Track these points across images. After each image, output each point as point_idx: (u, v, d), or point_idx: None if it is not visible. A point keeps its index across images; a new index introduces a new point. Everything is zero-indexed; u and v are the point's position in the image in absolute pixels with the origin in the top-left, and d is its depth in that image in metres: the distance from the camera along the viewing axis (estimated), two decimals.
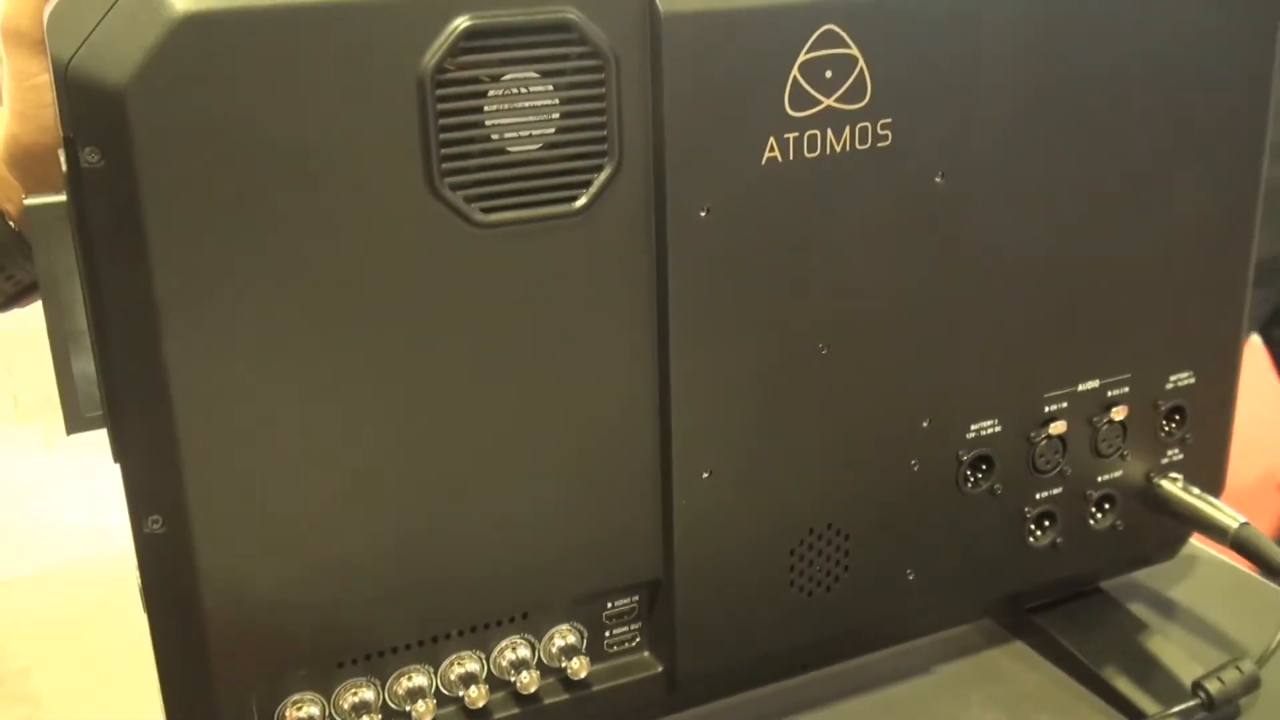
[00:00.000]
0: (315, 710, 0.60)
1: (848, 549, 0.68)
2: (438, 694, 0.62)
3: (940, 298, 0.66)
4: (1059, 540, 0.75)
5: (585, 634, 0.65)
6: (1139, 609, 0.80)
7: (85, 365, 0.52)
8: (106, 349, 0.52)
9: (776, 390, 0.63)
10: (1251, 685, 0.67)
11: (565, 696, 0.64)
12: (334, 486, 0.56)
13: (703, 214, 0.58)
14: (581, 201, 0.56)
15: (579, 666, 0.63)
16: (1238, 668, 0.67)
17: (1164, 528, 0.80)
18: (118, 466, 0.53)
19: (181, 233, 0.50)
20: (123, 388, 0.52)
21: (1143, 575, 0.85)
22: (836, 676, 0.76)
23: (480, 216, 0.54)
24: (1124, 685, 0.73)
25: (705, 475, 0.63)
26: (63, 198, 0.50)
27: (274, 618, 0.56)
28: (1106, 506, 0.76)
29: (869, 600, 0.70)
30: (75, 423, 0.53)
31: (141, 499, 0.53)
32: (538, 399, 0.58)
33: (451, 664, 0.62)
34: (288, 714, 0.59)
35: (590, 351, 0.59)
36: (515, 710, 0.63)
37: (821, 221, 0.61)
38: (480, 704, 0.61)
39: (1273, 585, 0.84)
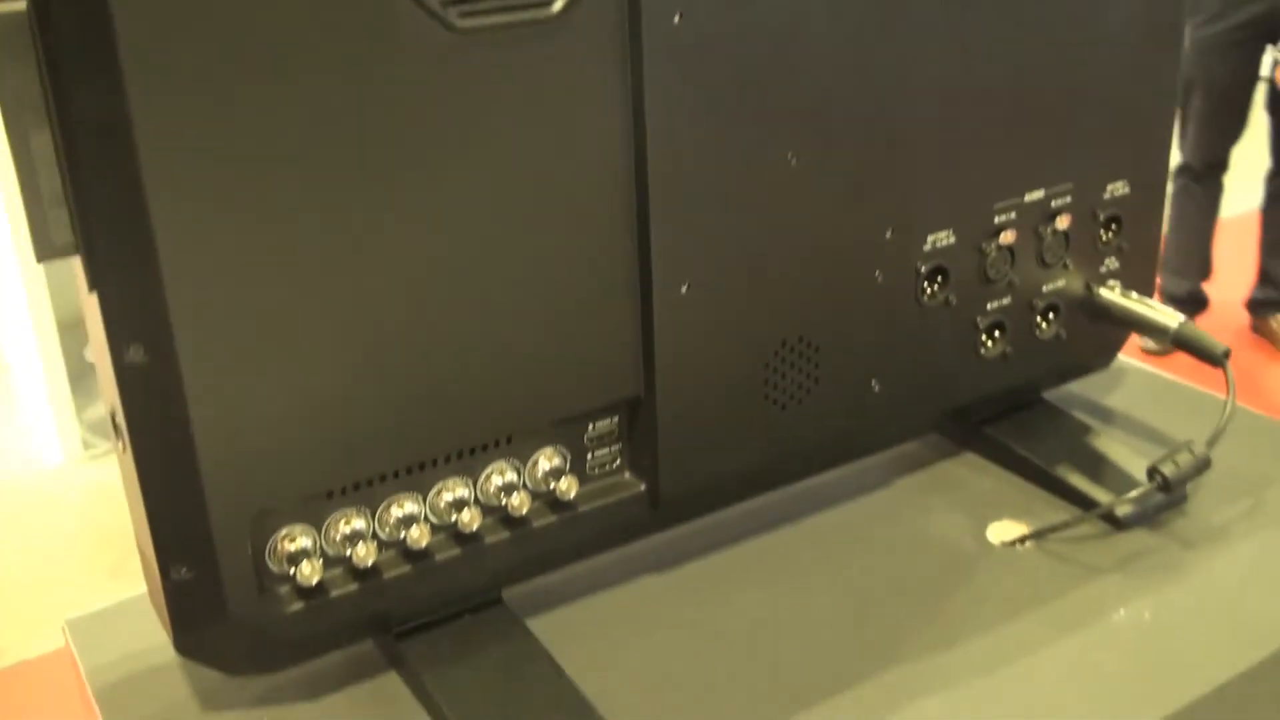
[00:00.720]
0: (307, 541, 0.59)
1: (818, 360, 0.69)
2: (429, 521, 0.62)
3: (898, 112, 0.66)
4: (1008, 350, 0.77)
5: (569, 457, 0.65)
6: (1080, 416, 0.84)
7: (54, 187, 0.50)
8: (77, 170, 0.49)
9: (750, 202, 0.63)
10: (1203, 466, 0.71)
11: (553, 519, 0.65)
12: (319, 310, 0.54)
13: (676, 19, 0.58)
14: (558, 6, 0.55)
15: (567, 486, 0.64)
16: (1190, 450, 0.71)
17: (1103, 334, 0.83)
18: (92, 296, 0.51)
19: (155, 43, 0.47)
20: (96, 211, 0.50)
21: (1078, 386, 0.88)
22: (804, 494, 0.78)
23: (458, 21, 0.53)
24: (1078, 480, 0.77)
25: (684, 289, 0.63)
26: (21, 5, 0.47)
27: (263, 448, 0.55)
28: (1051, 316, 0.78)
29: (838, 411, 0.71)
30: (45, 249, 0.50)
31: (120, 328, 0.52)
32: (516, 213, 0.58)
33: (441, 491, 0.62)
34: (280, 546, 0.58)
35: (568, 162, 0.58)
36: (506, 534, 0.64)
37: (789, 30, 0.61)
38: (473, 527, 0.61)
39: (1198, 388, 0.88)
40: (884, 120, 0.66)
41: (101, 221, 0.50)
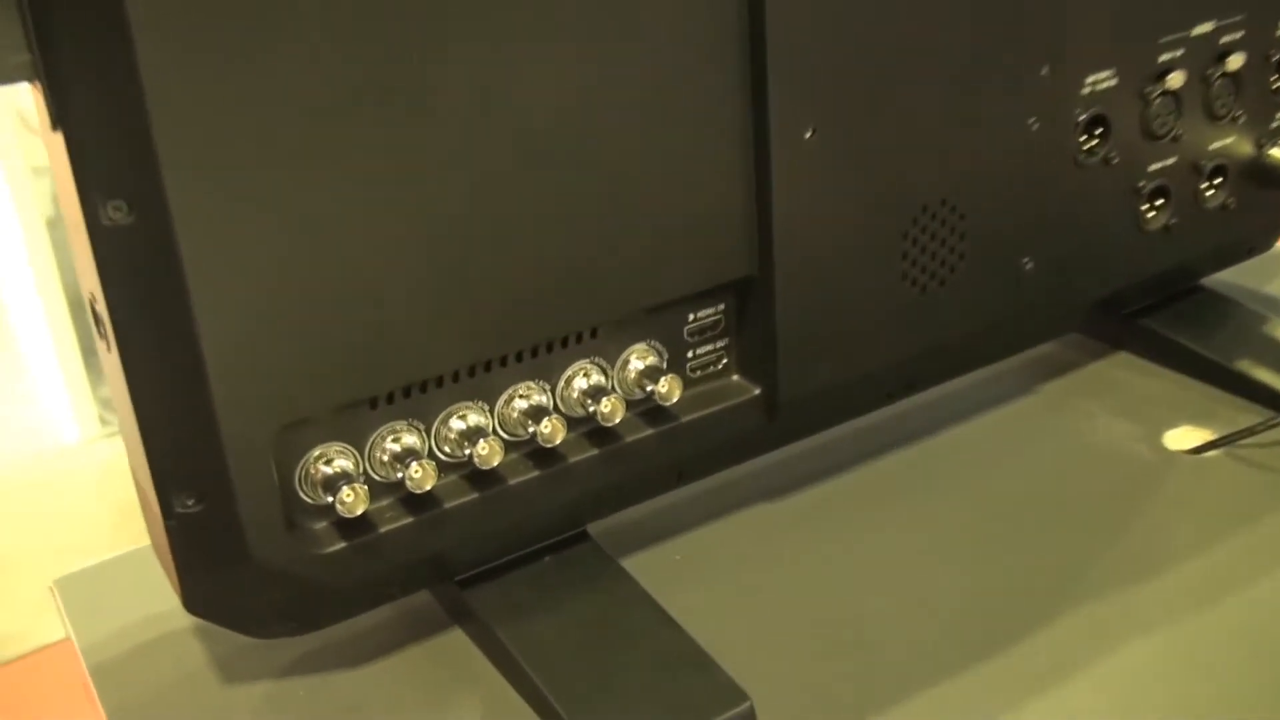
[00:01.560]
0: (347, 463, 0.46)
1: (964, 231, 0.56)
2: (498, 435, 0.49)
3: None
4: (1171, 222, 0.64)
5: (665, 356, 0.52)
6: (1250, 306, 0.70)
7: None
8: None
9: (888, 17, 0.50)
10: None
11: (650, 432, 0.52)
12: (361, 157, 0.42)
13: None
14: None
15: (668, 388, 0.51)
16: None
17: (1271, 209, 0.69)
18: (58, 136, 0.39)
19: None
20: (60, 16, 0.37)
21: (1234, 274, 0.75)
22: (937, 404, 0.65)
23: None
24: (1266, 375, 0.63)
25: (808, 134, 0.50)
26: None
27: (289, 341, 0.43)
28: (1218, 181, 0.65)
29: (986, 294, 0.58)
30: None
31: (95, 178, 0.39)
32: (598, 42, 0.45)
33: (513, 398, 0.49)
34: (314, 470, 0.46)
35: None
36: (594, 451, 0.51)
37: None
38: (556, 439, 0.49)
39: None
40: None
41: (67, 31, 0.37)
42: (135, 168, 0.39)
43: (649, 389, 0.51)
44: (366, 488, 0.46)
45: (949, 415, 0.64)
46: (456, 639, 0.52)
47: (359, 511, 0.45)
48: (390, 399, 0.47)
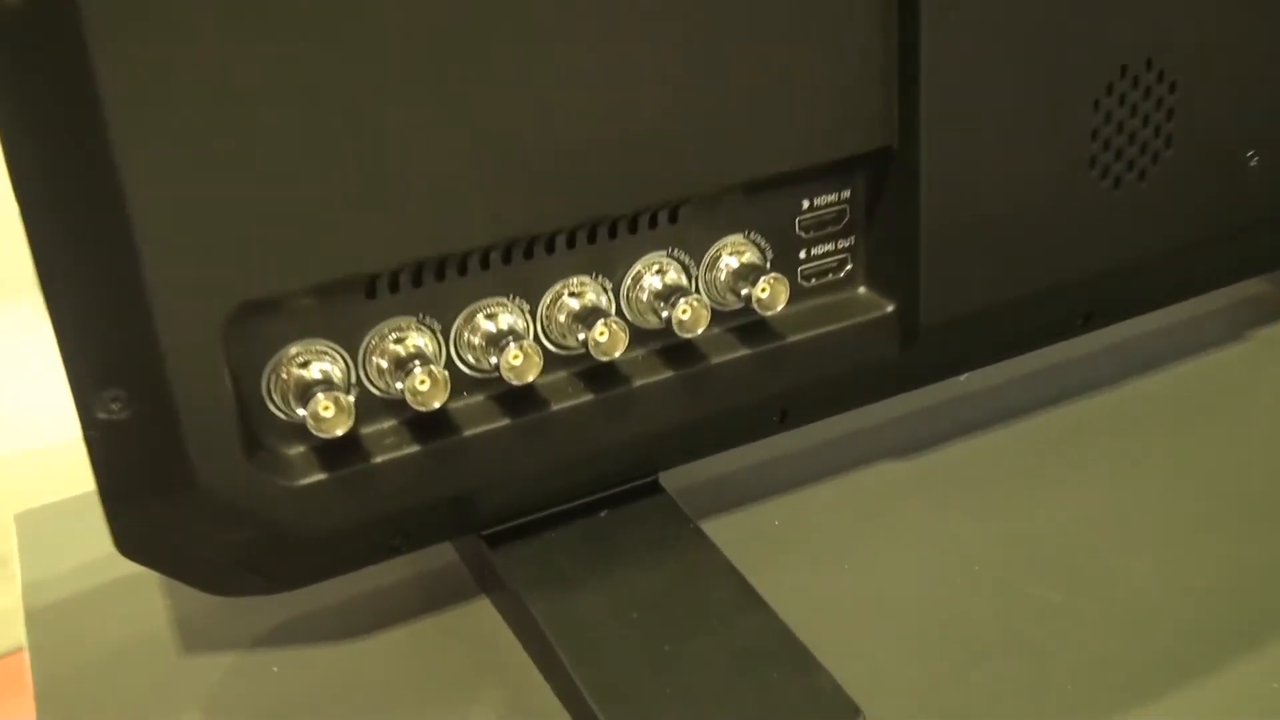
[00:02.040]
0: (331, 367, 0.34)
1: (1172, 106, 0.42)
2: (539, 343, 0.37)
3: None
4: None
5: (768, 253, 0.39)
6: None
7: None
8: None
9: None
10: None
11: (743, 352, 0.39)
12: None
13: None
14: None
15: (770, 293, 0.38)
16: None
17: None
18: None
19: None
20: None
21: None
22: (1121, 347, 0.51)
23: None
24: None
25: None
26: None
27: (248, 184, 0.31)
28: None
29: (1194, 198, 0.44)
30: None
31: None
32: None
33: (560, 295, 0.37)
34: (285, 373, 0.34)
35: None
36: (667, 374, 0.38)
37: None
38: (615, 351, 0.36)
39: None
40: None
41: None
42: None
43: (744, 293, 0.38)
44: (352, 400, 0.34)
45: (1134, 361, 0.50)
46: (481, 612, 0.40)
47: (338, 431, 0.33)
48: (394, 284, 0.35)
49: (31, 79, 0.28)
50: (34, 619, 0.42)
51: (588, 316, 0.36)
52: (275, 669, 0.39)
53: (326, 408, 0.33)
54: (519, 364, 0.35)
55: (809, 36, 0.36)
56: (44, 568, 0.45)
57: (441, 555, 0.42)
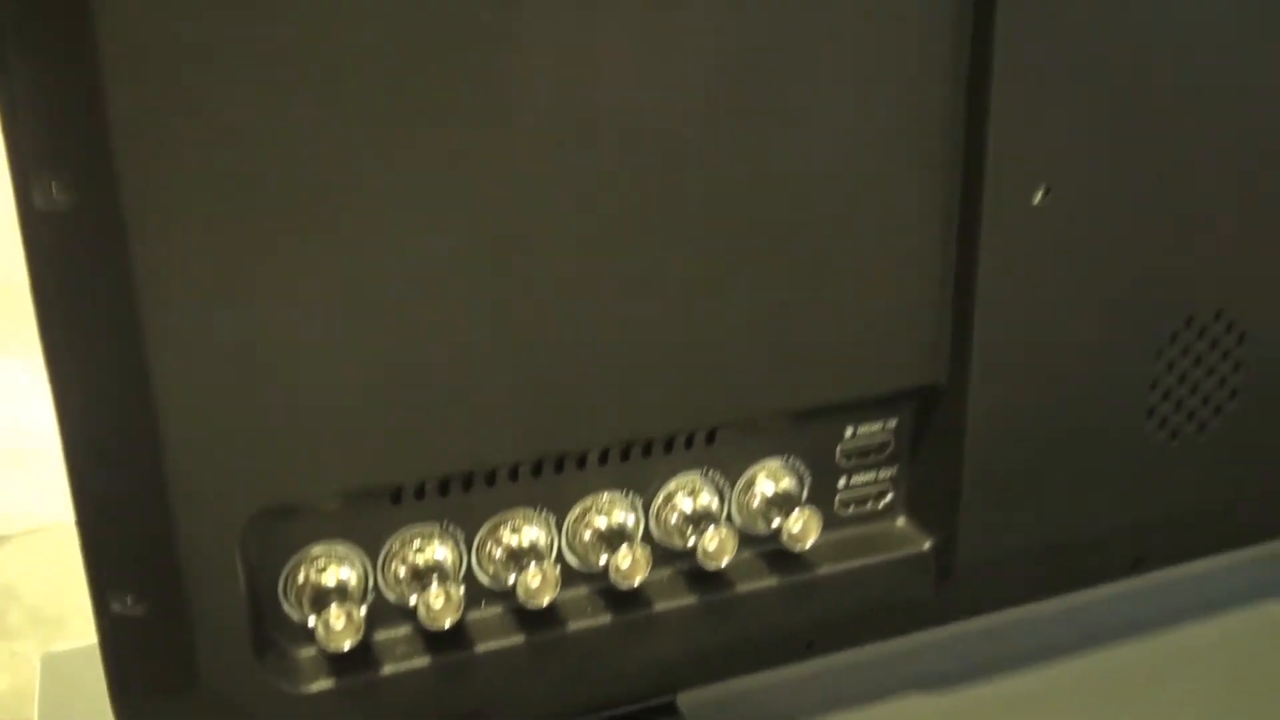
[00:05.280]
0: (349, 574, 0.34)
1: (1240, 358, 0.41)
2: (562, 559, 0.36)
3: None
4: None
5: (806, 479, 0.39)
6: None
7: None
8: None
9: (1162, 48, 0.36)
10: None
11: (772, 582, 0.38)
12: (393, 143, 0.30)
13: None
14: None
15: (801, 526, 0.37)
16: None
17: None
18: None
19: None
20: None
21: None
22: (1169, 588, 0.49)
23: None
24: None
25: (1037, 196, 0.36)
26: None
27: (279, 389, 0.31)
28: None
29: (1259, 451, 0.43)
30: None
31: (34, 151, 0.28)
32: (755, 39, 0.32)
33: (588, 511, 0.36)
34: (301, 576, 0.34)
35: None
36: (691, 599, 0.37)
37: None
38: (635, 580, 0.35)
39: None
40: None
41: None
42: (76, 142, 0.28)
43: (775, 524, 0.37)
44: (363, 614, 0.33)
45: (1183, 605, 0.48)
46: None
47: (345, 645, 0.33)
48: (420, 492, 0.34)
49: (76, 289, 0.29)
50: None
51: (612, 539, 0.35)
52: None
53: (339, 620, 0.32)
54: (536, 586, 0.34)
55: (861, 266, 0.36)
56: (61, 714, 0.45)
57: None
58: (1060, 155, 0.36)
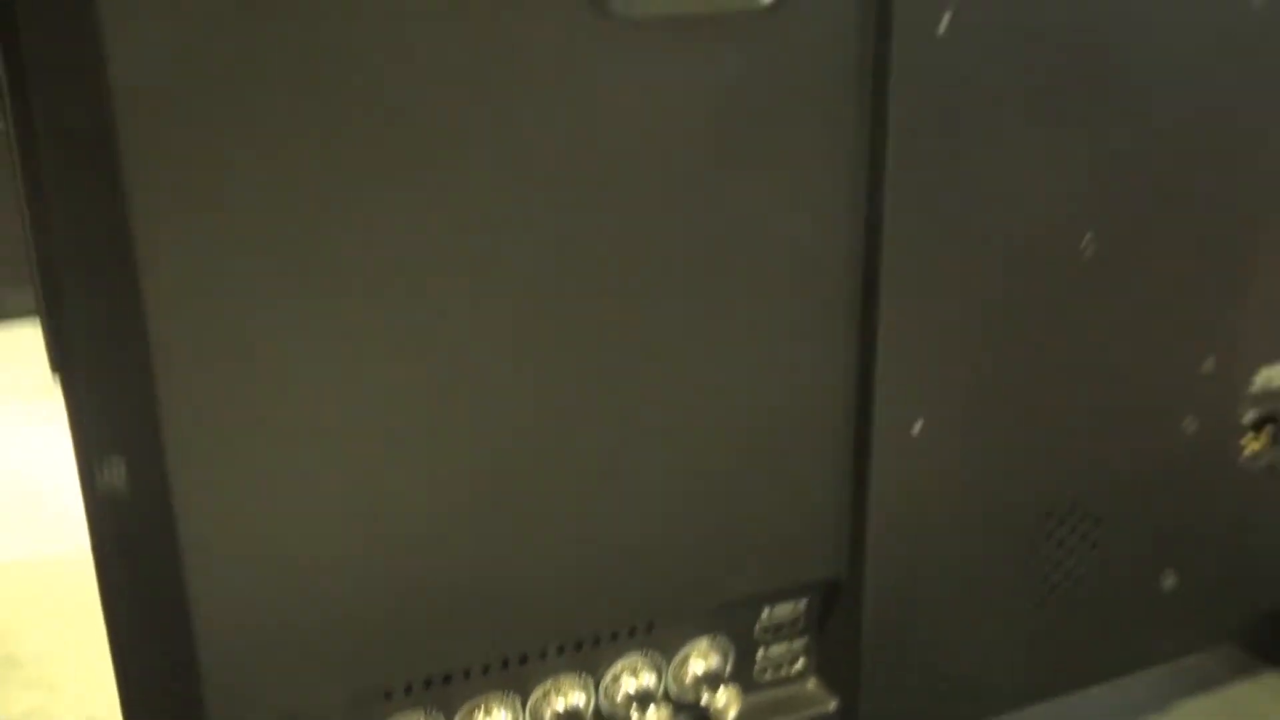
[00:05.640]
0: None
1: (1095, 540, 0.49)
2: None
3: (1246, 185, 0.46)
4: None
5: (730, 654, 0.46)
6: None
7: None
8: (39, 206, 0.33)
9: (1022, 301, 0.44)
10: None
11: None
12: (380, 425, 0.37)
13: (944, 24, 0.39)
14: None
15: (725, 702, 0.44)
16: None
17: None
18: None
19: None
20: (68, 264, 0.33)
21: None
22: (1052, 709, 0.56)
23: (619, 4, 0.35)
24: None
25: (916, 428, 0.43)
26: None
27: (292, 621, 0.37)
28: None
29: (1115, 612, 0.50)
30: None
31: (94, 435, 0.34)
32: (682, 292, 0.39)
33: (547, 694, 0.43)
34: None
35: (767, 223, 0.39)
36: None
37: (1114, 39, 0.42)
38: None
39: None
40: (1224, 197, 0.46)
41: (75, 277, 0.33)
42: (135, 427, 0.34)
43: (704, 701, 0.44)
44: None
45: None
46: None
47: None
48: (409, 690, 0.41)
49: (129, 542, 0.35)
50: None
51: (569, 718, 0.42)
52: None
53: None
54: None
55: (770, 488, 0.43)
56: None
57: None
58: (938, 388, 0.43)
